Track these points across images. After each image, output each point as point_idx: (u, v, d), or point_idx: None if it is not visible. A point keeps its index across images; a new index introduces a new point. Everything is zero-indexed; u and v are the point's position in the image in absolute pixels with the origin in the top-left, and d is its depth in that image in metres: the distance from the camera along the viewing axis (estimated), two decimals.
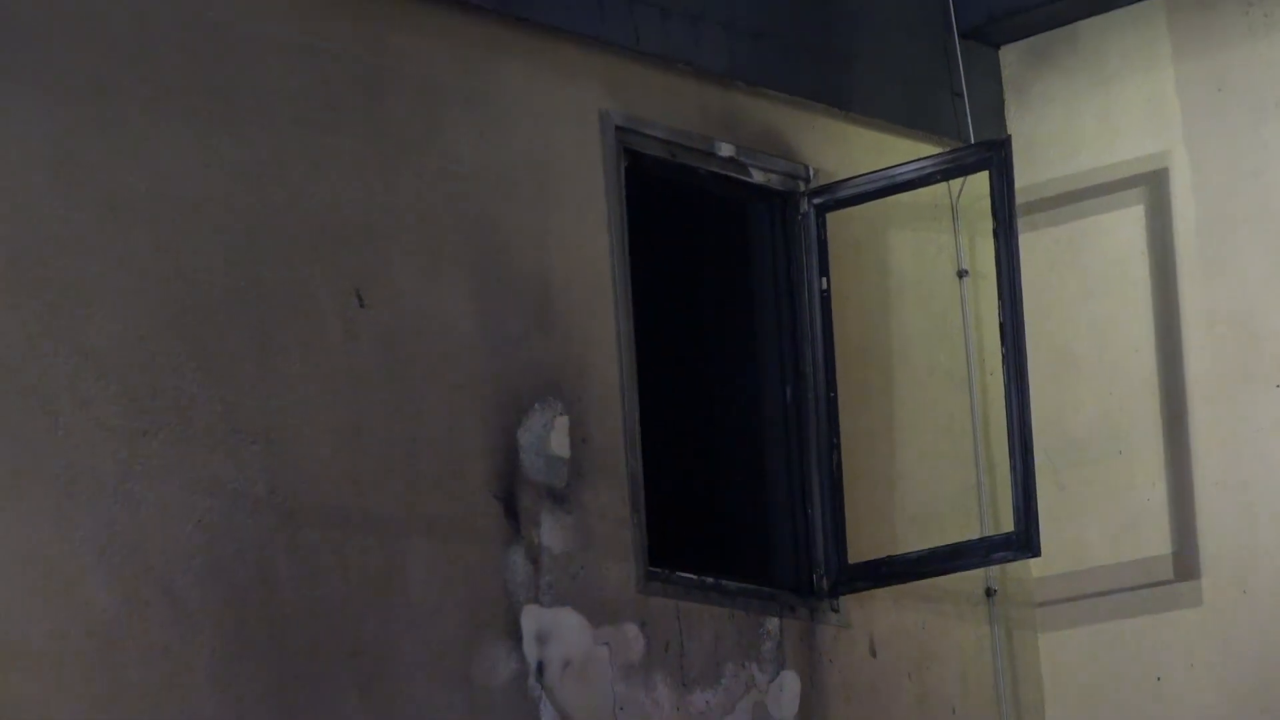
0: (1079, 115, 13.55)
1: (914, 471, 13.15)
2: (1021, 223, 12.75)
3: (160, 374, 10.60)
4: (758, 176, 12.82)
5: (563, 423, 11.83)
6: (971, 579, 12.99)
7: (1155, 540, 12.95)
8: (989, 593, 13.11)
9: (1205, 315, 12.96)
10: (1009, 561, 12.73)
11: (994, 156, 12.78)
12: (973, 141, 13.17)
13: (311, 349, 11.08)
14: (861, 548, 12.64)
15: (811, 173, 12.96)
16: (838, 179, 12.93)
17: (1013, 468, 12.43)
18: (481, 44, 12.00)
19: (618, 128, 12.33)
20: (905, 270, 13.29)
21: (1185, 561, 12.90)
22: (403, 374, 11.38)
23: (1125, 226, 13.38)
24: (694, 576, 12.18)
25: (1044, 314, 13.16)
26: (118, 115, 10.77)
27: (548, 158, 12.12)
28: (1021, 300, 12.55)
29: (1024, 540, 12.39)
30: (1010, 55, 13.64)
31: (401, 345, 11.42)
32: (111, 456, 10.41)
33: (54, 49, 10.69)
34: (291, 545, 10.87)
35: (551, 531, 11.72)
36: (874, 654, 12.69)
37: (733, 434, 12.95)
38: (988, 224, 12.80)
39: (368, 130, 11.53)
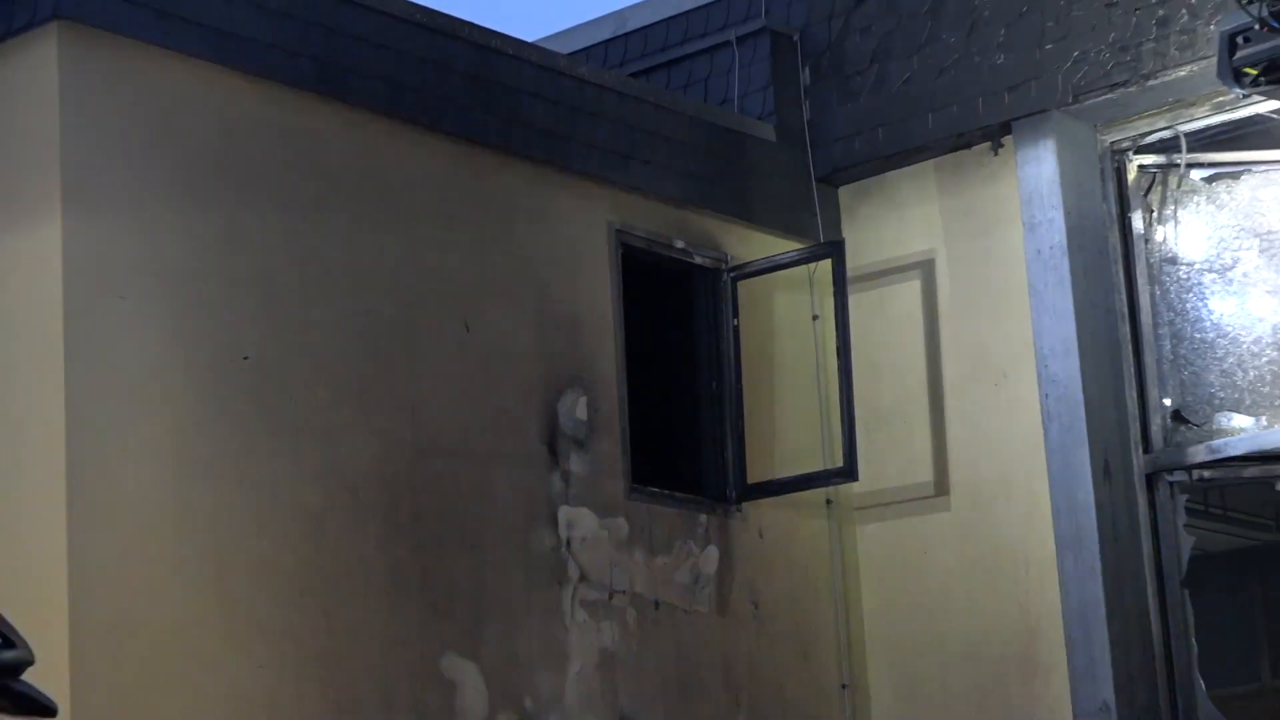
0: (884, 226, 13.17)
1: (786, 430, 12.86)
2: (850, 288, 12.61)
3: (354, 372, 10.72)
4: (698, 259, 12.72)
5: (583, 401, 11.81)
6: (819, 493, 12.77)
7: (924, 473, 12.76)
8: (828, 501, 12.87)
9: (954, 339, 12.77)
10: (839, 484, 12.65)
11: (835, 250, 12.80)
12: (822, 241, 12.95)
13: (438, 356, 11.17)
14: (754, 473, 12.54)
15: (729, 258, 12.81)
16: (744, 261, 12.84)
17: (843, 428, 12.48)
18: (541, 180, 11.90)
19: (616, 230, 12.24)
20: (782, 314, 13.09)
21: (940, 485, 12.67)
22: (491, 371, 11.39)
23: (910, 289, 13.06)
24: (658, 490, 12.17)
25: (861, 339, 12.69)
26: (326, 225, 10.82)
27: (577, 246, 12.08)
28: (849, 331, 12.57)
29: (849, 471, 12.49)
30: (845, 192, 13.22)
31: (490, 354, 11.43)
32: (327, 418, 10.49)
33: (274, 181, 10.70)
34: (425, 469, 10.94)
35: (575, 463, 11.70)
36: (761, 536, 12.59)
37: (682, 408, 12.81)
38: (830, 289, 12.69)
39: (470, 229, 11.45)
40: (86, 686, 9.03)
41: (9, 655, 5.82)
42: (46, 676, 5.95)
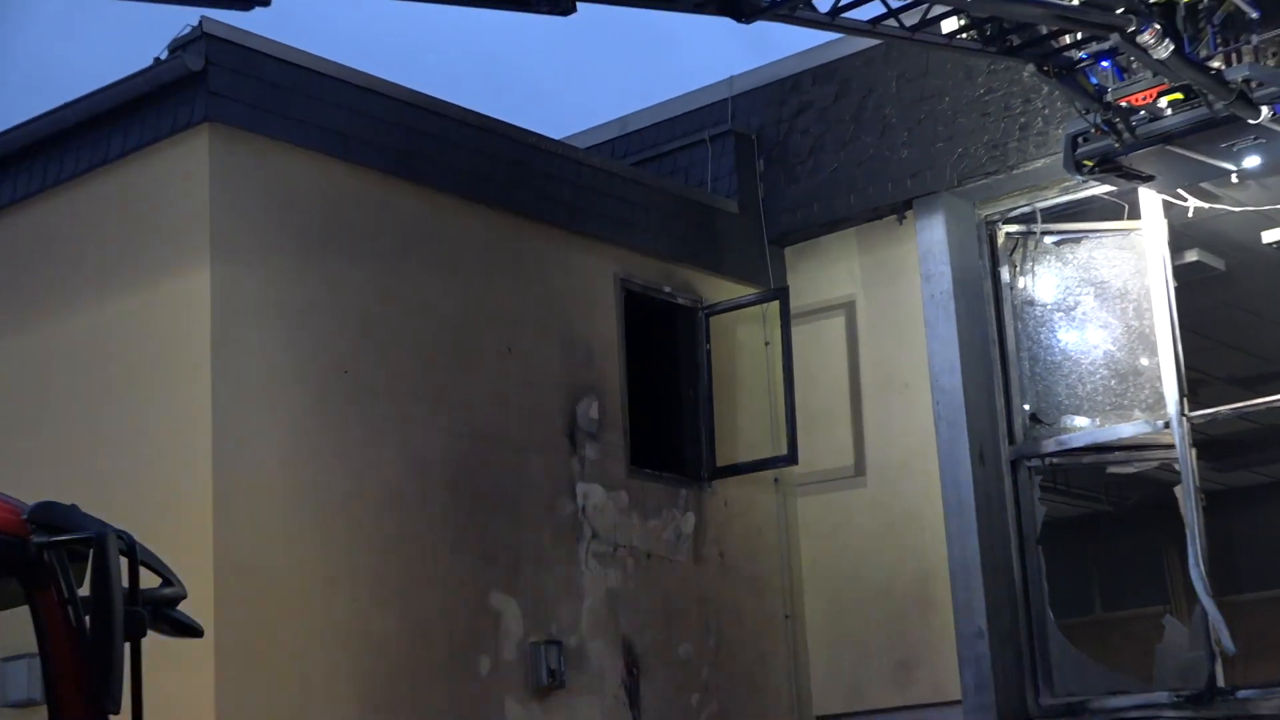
0: (818, 277, 13.00)
1: (744, 427, 12.68)
2: (793, 322, 12.58)
3: (423, 382, 10.66)
4: (680, 300, 12.62)
5: (595, 404, 11.72)
6: (769, 473, 12.64)
7: (846, 458, 12.66)
8: (775, 480, 12.73)
9: (869, 360, 12.68)
10: (784, 467, 12.55)
11: (781, 294, 12.77)
12: (772, 288, 12.88)
13: (487, 370, 11.07)
14: (721, 459, 12.44)
15: (703, 300, 12.72)
16: (714, 302, 12.74)
17: (787, 426, 12.41)
18: (563, 240, 11.82)
19: (620, 278, 12.17)
20: (742, 342, 12.93)
21: (859, 468, 12.59)
22: (526, 382, 11.30)
23: (837, 324, 12.90)
24: (650, 471, 12.07)
25: (800, 360, 12.61)
26: (403, 273, 10.80)
27: (590, 290, 11.98)
28: (791, 354, 12.50)
29: (791, 458, 12.43)
30: (789, 251, 13.09)
31: (526, 369, 11.32)
32: (403, 417, 10.45)
33: (365, 240, 10.68)
34: (477, 454, 10.84)
35: (589, 450, 11.60)
36: (726, 505, 12.51)
37: (668, 410, 12.63)
38: (778, 323, 12.64)
39: (510, 276, 11.36)
40: (225, 614, 9.05)
41: (168, 591, 5.85)
42: (194, 607, 6.03)
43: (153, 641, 5.50)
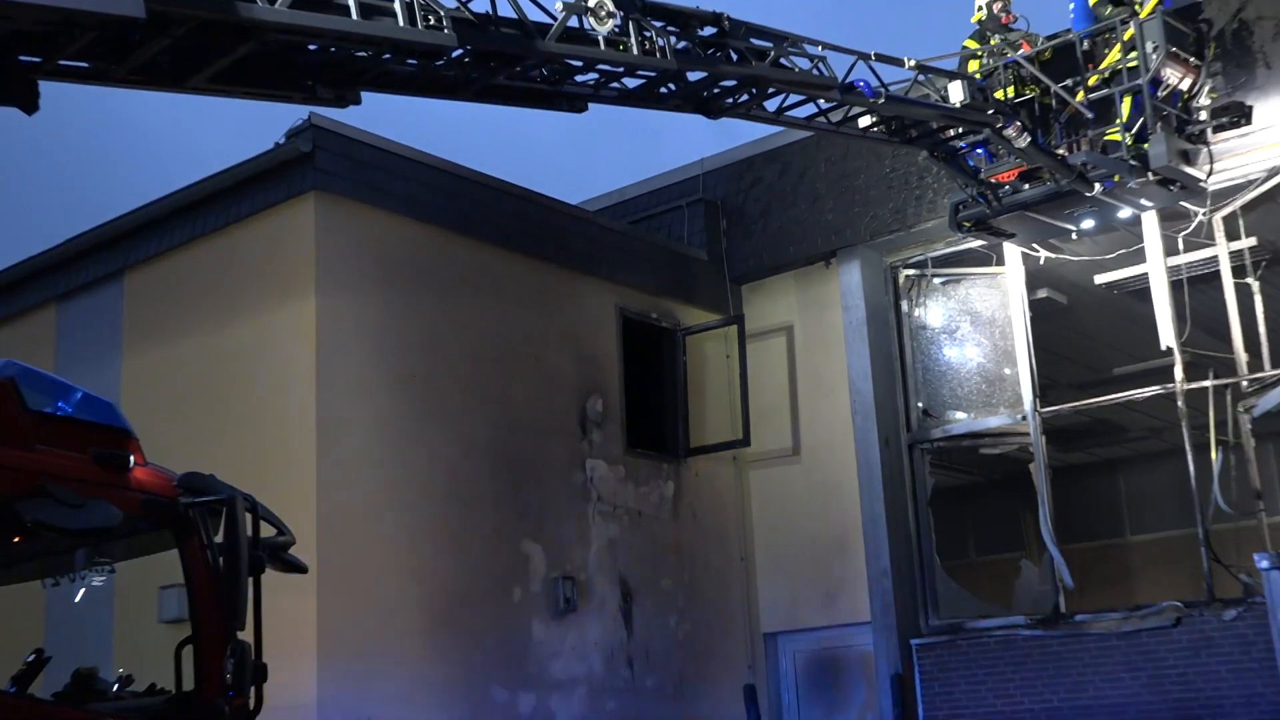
0: (766, 308, 12.83)
1: (711, 418, 12.45)
2: (747, 341, 12.43)
3: (474, 384, 10.56)
4: (664, 324, 12.51)
5: (600, 401, 11.61)
6: (729, 453, 12.48)
7: (786, 442, 12.50)
8: (734, 457, 12.61)
9: (804, 370, 12.55)
10: (740, 448, 12.43)
11: (739, 320, 12.69)
12: (731, 315, 12.72)
13: (520, 375, 10.97)
14: (694, 441, 12.34)
15: (681, 324, 12.60)
16: (689, 325, 12.62)
17: (742, 417, 12.32)
18: (578, 280, 11.71)
19: (619, 307, 12.09)
20: (710, 356, 12.73)
21: (795, 450, 12.46)
22: (550, 384, 11.21)
23: (780, 343, 12.71)
24: (641, 450, 11.98)
25: (753, 369, 12.41)
26: (461, 304, 10.66)
27: (597, 316, 11.87)
28: (746, 365, 12.37)
29: (745, 441, 12.34)
30: (745, 288, 12.95)
31: (549, 374, 11.23)
32: (460, 410, 10.37)
33: (434, 280, 10.54)
34: (513, 438, 10.73)
35: (595, 435, 11.50)
36: (697, 476, 12.42)
37: (655, 406, 12.43)
38: (736, 342, 12.57)
39: (538, 306, 11.27)
40: (324, 556, 9.04)
41: (282, 539, 5.86)
42: (301, 550, 6.03)
43: (269, 577, 5.54)
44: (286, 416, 9.60)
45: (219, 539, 5.37)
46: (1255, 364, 10.66)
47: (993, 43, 10.15)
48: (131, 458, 5.30)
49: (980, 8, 10.38)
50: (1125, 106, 9.40)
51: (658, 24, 7.61)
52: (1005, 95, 9.57)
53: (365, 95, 6.89)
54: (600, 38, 7.29)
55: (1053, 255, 11.50)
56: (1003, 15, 10.27)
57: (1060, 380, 13.77)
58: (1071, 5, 9.98)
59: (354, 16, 6.28)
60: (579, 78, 7.62)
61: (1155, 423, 14.19)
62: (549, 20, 7.13)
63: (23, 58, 5.64)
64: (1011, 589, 13.41)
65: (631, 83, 7.83)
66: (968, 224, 10.35)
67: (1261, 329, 10.78)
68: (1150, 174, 9.34)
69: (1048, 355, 12.32)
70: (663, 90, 7.99)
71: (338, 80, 6.72)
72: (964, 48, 10.36)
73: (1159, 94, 9.36)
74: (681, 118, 8.56)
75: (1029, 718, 10.66)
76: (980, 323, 12.12)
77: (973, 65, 10.05)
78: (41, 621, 9.82)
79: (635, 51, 7.45)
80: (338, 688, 9.05)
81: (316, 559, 8.71)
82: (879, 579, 11.67)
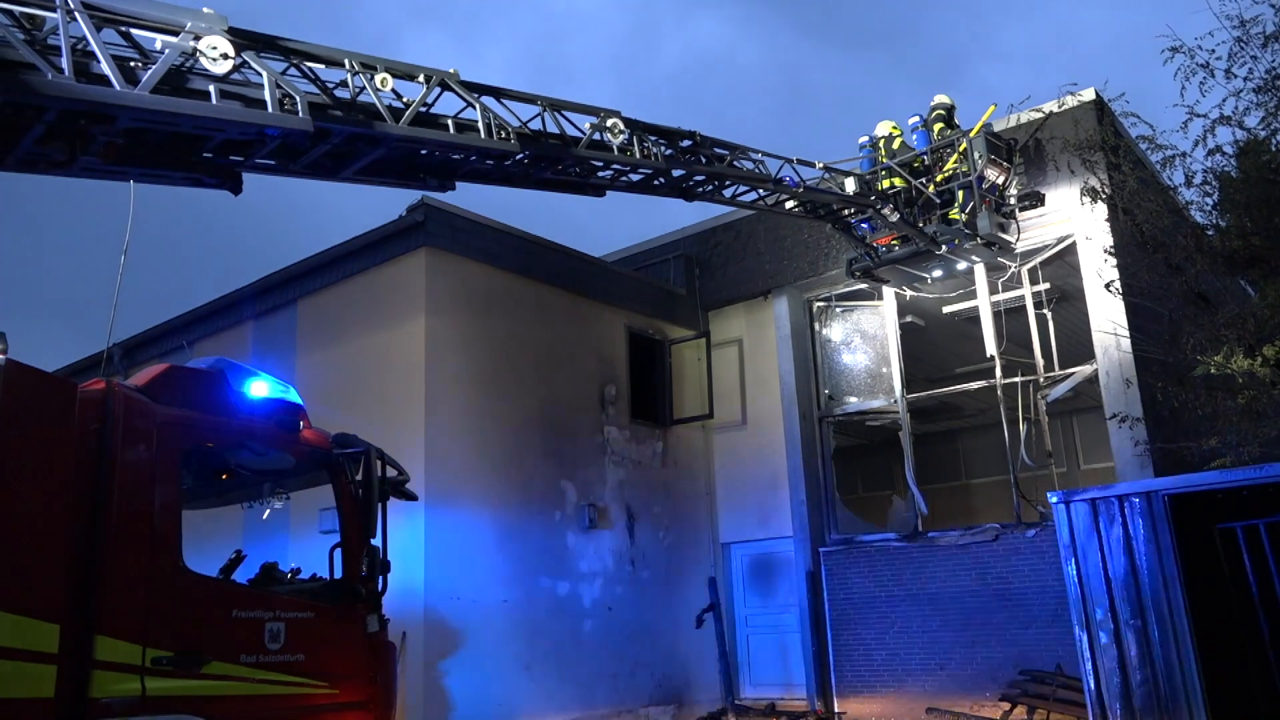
0: (725, 327, 12.41)
1: (688, 400, 12.28)
2: (713, 351, 12.28)
3: (527, 376, 10.29)
4: (656, 337, 12.27)
5: (613, 388, 11.41)
6: (700, 423, 12.18)
7: (737, 415, 11.98)
8: (703, 426, 12.29)
9: (750, 371, 12.06)
10: (707, 420, 12.18)
11: (707, 336, 12.46)
12: (701, 332, 12.38)
13: (559, 371, 10.73)
14: (677, 414, 12.08)
15: (669, 337, 12.38)
16: (675, 339, 12.39)
17: (708, 399, 12.08)
18: (599, 306, 11.49)
19: (627, 326, 11.90)
20: (687, 359, 12.32)
21: (744, 421, 12.14)
22: (579, 376, 10.97)
23: (733, 351, 12.34)
24: (641, 420, 11.72)
25: (716, 371, 12.20)
26: (521, 324, 10.42)
27: (612, 332, 11.65)
28: (711, 368, 12.07)
29: (710, 415, 12.15)
30: (711, 314, 12.09)
31: (579, 371, 11.02)
32: (515, 392, 10.07)
33: (505, 310, 10.24)
34: (553, 414, 10.50)
35: (610, 410, 11.27)
36: (679, 439, 12.14)
37: (649, 393, 12.07)
38: (705, 351, 12.34)
39: (571, 326, 11.04)
40: (429, 492, 8.91)
41: (401, 478, 5.85)
42: (416, 485, 5.99)
43: (393, 503, 5.52)
44: (405, 397, 9.52)
45: (359, 477, 5.38)
46: (1049, 366, 10.68)
47: (882, 157, 10.17)
48: (301, 423, 5.31)
49: (895, 127, 10.40)
50: (960, 195, 9.50)
51: (652, 138, 7.74)
52: (883, 187, 9.63)
53: (460, 184, 7.06)
54: (615, 146, 7.44)
55: (915, 293, 11.44)
56: (895, 140, 10.29)
57: (919, 375, 13.66)
58: (914, 136, 10.13)
59: (451, 131, 6.46)
60: (600, 173, 7.71)
61: (983, 405, 14.15)
62: (580, 134, 7.28)
63: (232, 157, 5.81)
64: (887, 515, 13.28)
65: (635, 177, 7.92)
66: (858, 273, 10.36)
67: (1054, 343, 10.83)
68: (978, 239, 9.41)
69: (911, 359, 12.27)
70: (655, 182, 8.07)
71: (441, 173, 6.87)
72: (876, 133, 10.35)
73: (984, 186, 9.45)
74: (668, 200, 8.63)
75: (898, 600, 10.62)
76: (867, 338, 12.02)
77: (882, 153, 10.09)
78: (240, 533, 9.72)
79: (638, 156, 7.59)
80: (437, 576, 9.00)
81: (424, 492, 8.67)
82: (798, 507, 11.59)
